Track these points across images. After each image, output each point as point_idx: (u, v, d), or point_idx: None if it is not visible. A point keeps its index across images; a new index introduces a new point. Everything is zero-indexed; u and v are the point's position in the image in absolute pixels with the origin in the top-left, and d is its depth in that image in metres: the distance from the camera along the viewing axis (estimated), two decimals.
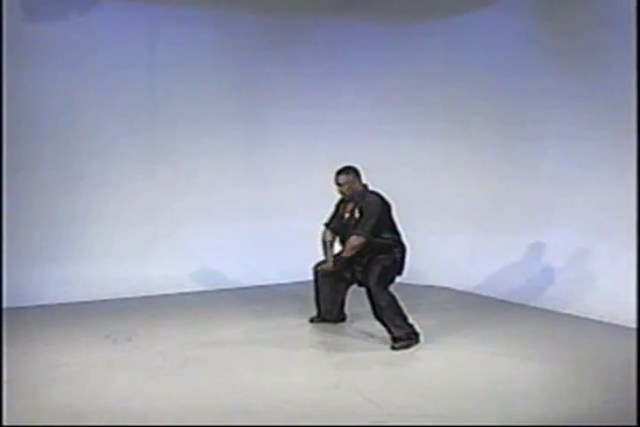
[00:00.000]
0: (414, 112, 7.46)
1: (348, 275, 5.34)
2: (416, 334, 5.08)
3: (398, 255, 5.16)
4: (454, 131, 7.31)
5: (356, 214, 5.15)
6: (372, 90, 7.53)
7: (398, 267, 5.17)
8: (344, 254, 5.16)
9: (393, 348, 4.96)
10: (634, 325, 5.44)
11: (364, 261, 5.14)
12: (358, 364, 4.70)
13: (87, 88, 6.61)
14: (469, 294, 6.94)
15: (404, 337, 5.01)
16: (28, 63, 6.30)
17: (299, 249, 7.12)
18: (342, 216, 5.31)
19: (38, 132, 6.42)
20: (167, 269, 6.89)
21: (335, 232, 5.38)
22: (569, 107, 6.41)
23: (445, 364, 4.72)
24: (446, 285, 7.21)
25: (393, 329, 5.02)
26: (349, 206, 5.27)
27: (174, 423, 3.61)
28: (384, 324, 5.07)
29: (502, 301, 6.58)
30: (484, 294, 6.83)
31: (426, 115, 7.42)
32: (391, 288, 5.12)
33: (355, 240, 5.04)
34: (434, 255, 7.24)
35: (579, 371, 4.51)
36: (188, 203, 7.12)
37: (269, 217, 7.44)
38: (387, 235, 5.14)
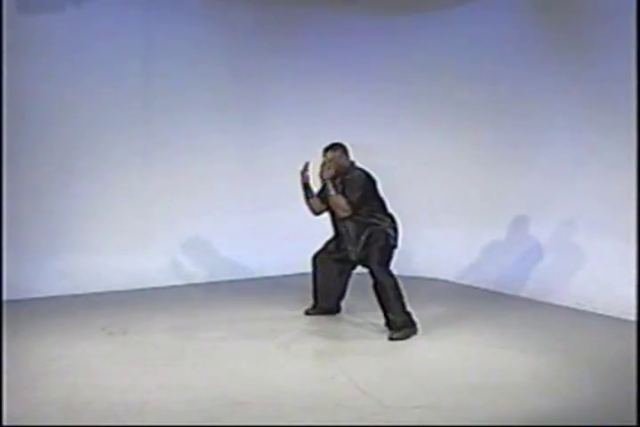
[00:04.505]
0: (411, 106, 7.45)
1: (338, 256, 5.36)
2: (413, 323, 5.10)
3: (389, 229, 5.20)
4: (450, 125, 7.30)
5: (335, 190, 5.20)
6: (369, 83, 7.51)
7: (393, 240, 5.21)
8: (331, 198, 5.15)
9: (390, 338, 4.97)
10: (628, 317, 5.46)
11: (359, 242, 5.17)
12: (353, 355, 4.71)
13: (82, 81, 6.57)
14: (464, 286, 6.96)
15: (401, 325, 5.01)
16: (22, 55, 6.26)
17: (295, 241, 7.14)
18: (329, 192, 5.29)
19: (33, 126, 6.39)
20: (163, 262, 6.90)
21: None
22: (566, 101, 6.41)
23: (440, 355, 4.74)
24: (441, 277, 7.23)
25: (391, 315, 5.03)
26: (336, 182, 5.28)
27: (171, 415, 3.62)
28: (383, 307, 5.09)
29: (497, 292, 6.61)
30: (479, 286, 6.85)
31: (422, 109, 7.40)
32: None
33: (344, 206, 5.10)
34: (428, 248, 7.26)
35: (573, 363, 4.53)
36: (185, 196, 7.10)
37: (266, 210, 7.43)
38: (373, 207, 5.19)
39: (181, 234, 7.08)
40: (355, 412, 3.66)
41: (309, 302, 5.72)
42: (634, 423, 3.51)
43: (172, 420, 3.55)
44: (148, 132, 6.96)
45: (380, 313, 5.53)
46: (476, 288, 6.85)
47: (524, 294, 6.43)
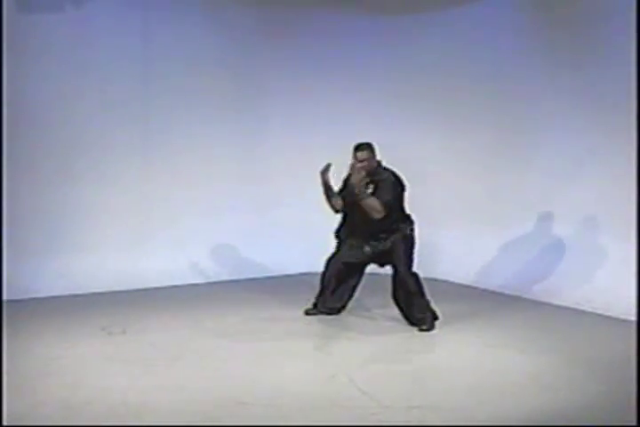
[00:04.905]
0: (410, 106, 7.44)
1: (351, 259, 5.37)
2: (433, 312, 5.29)
3: (409, 231, 5.30)
4: (448, 124, 7.30)
5: (370, 190, 5.17)
6: (368, 82, 7.52)
7: (412, 241, 5.32)
8: (365, 201, 5.07)
9: (427, 330, 5.17)
10: (627, 317, 5.46)
11: (386, 243, 5.24)
12: (353, 356, 4.71)
13: (81, 80, 6.58)
14: (464, 286, 6.95)
15: (429, 319, 5.24)
16: (22, 56, 6.27)
17: (295, 241, 7.13)
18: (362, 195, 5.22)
19: (32, 125, 6.39)
20: (162, 261, 6.88)
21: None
22: (564, 100, 6.42)
23: (440, 355, 4.74)
24: (441, 277, 7.22)
25: (419, 313, 5.22)
26: (364, 182, 5.22)
27: (170, 415, 3.62)
28: (409, 307, 5.25)
29: (497, 293, 6.60)
30: (480, 286, 6.85)
31: (422, 108, 7.40)
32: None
33: (378, 207, 5.04)
34: (430, 248, 7.25)
35: (573, 363, 4.53)
36: (183, 195, 7.10)
37: (265, 209, 7.43)
38: (398, 208, 5.26)
39: (181, 234, 7.06)
40: (354, 412, 3.66)
41: (309, 302, 5.71)
42: (634, 423, 3.51)
43: (171, 420, 3.55)
44: (148, 131, 6.96)
45: (380, 312, 5.57)
46: (475, 288, 6.84)
47: (523, 295, 6.41)
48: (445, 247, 7.26)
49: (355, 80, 7.56)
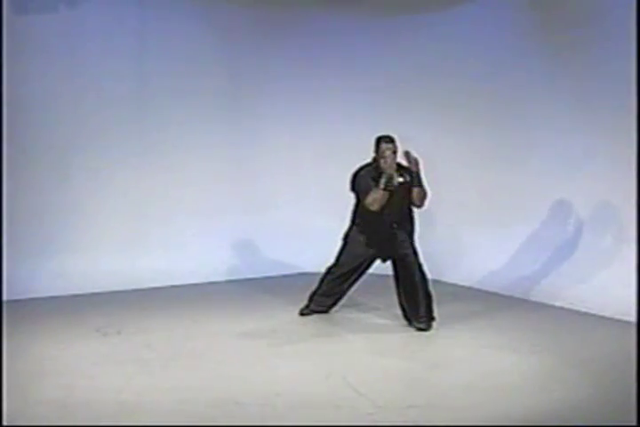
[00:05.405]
0: (404, 105, 7.43)
1: (372, 251, 5.33)
2: (431, 310, 5.32)
3: None
4: (446, 124, 7.29)
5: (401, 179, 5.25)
6: (363, 83, 7.51)
7: None
8: (420, 189, 5.30)
9: (424, 329, 5.17)
10: (622, 317, 5.46)
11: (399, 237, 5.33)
12: (348, 356, 4.71)
13: (77, 80, 6.57)
14: (459, 287, 6.95)
15: (429, 318, 5.25)
16: (17, 56, 6.26)
17: (292, 241, 7.13)
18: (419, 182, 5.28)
19: (27, 125, 6.39)
20: (158, 262, 6.87)
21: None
22: (562, 101, 6.42)
23: (435, 356, 4.75)
24: (437, 278, 7.22)
25: (422, 312, 5.21)
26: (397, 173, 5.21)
27: (165, 415, 3.62)
28: (413, 304, 5.24)
29: (493, 294, 6.60)
30: (475, 287, 6.85)
31: (416, 108, 7.39)
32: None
33: (427, 195, 5.36)
34: (425, 249, 7.25)
35: (567, 363, 4.54)
36: (179, 195, 7.09)
37: (262, 209, 7.43)
38: None
39: (176, 234, 7.06)
40: (350, 412, 3.67)
41: (304, 303, 5.70)
42: (629, 424, 3.51)
43: (166, 420, 3.56)
44: (143, 131, 6.96)
45: (376, 312, 5.57)
46: (469, 288, 6.84)
47: (518, 295, 6.42)
48: (441, 248, 7.25)
49: (352, 80, 7.55)
